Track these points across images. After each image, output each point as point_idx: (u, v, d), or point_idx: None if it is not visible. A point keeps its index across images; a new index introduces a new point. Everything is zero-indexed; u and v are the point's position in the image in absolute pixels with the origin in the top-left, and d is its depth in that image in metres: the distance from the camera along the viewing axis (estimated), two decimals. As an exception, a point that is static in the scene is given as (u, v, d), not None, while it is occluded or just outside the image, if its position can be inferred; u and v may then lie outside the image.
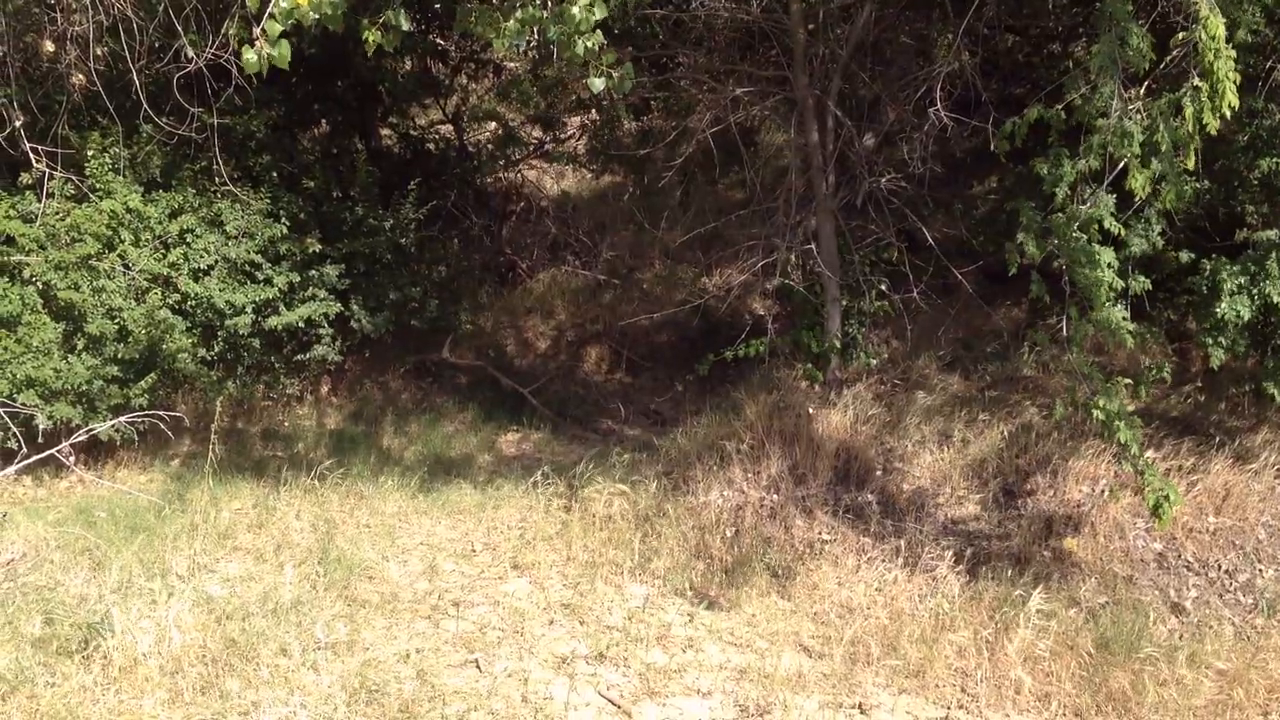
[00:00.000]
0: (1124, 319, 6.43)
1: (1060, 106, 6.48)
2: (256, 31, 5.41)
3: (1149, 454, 6.39)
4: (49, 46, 8.36)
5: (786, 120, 9.76)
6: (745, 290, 11.56)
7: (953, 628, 6.00)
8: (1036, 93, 7.65)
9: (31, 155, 8.42)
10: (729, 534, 7.34)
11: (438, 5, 11.30)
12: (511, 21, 5.84)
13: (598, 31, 5.83)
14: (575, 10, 5.70)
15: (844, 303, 9.54)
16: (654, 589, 6.70)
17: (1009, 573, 6.59)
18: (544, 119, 14.36)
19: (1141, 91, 6.25)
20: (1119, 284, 6.41)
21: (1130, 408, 6.25)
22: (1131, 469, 6.29)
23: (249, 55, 5.31)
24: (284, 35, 5.32)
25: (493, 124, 14.68)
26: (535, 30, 6.03)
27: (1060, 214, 6.42)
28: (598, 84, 6.07)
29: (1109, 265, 6.33)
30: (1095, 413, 6.22)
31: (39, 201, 8.76)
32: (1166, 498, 6.02)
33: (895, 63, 9.66)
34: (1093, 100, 6.09)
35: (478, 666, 5.71)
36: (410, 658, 5.73)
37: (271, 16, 5.26)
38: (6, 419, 7.28)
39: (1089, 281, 6.31)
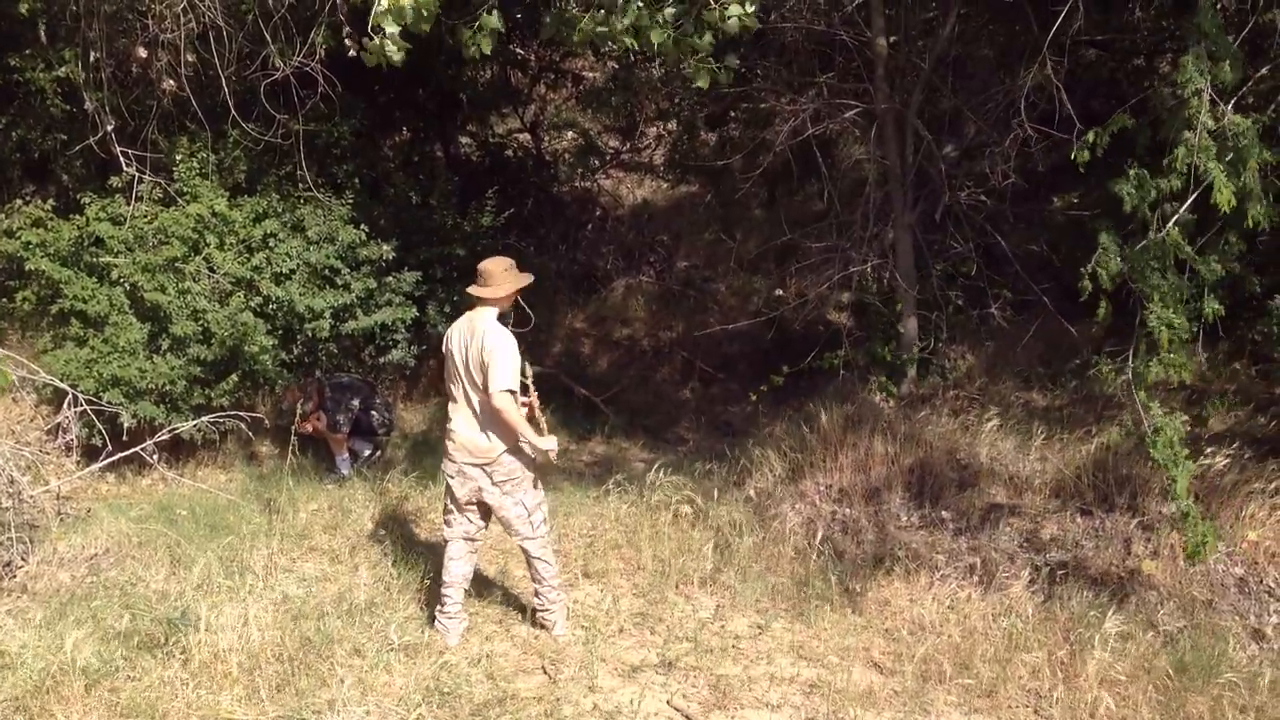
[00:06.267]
0: (1184, 361, 6.31)
1: (1146, 120, 6.39)
2: (346, 32, 5.52)
3: (1190, 498, 6.23)
4: (141, 52, 8.57)
5: (866, 133, 9.74)
6: (820, 302, 11.50)
7: (1027, 648, 5.92)
8: (1120, 108, 7.55)
9: (122, 159, 8.63)
10: (800, 547, 7.31)
11: (519, 15, 11.39)
12: (623, 26, 5.89)
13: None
14: (718, 15, 5.83)
15: (921, 316, 9.47)
16: (724, 600, 6.68)
17: (1085, 593, 6.49)
18: (622, 129, 14.42)
19: (1230, 107, 6.15)
20: (1188, 329, 6.28)
21: (1183, 451, 6.11)
22: (1175, 509, 6.15)
23: (373, 45, 5.44)
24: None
25: (570, 133, 14.77)
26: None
27: (1138, 239, 6.33)
28: (702, 80, 6.19)
29: (1183, 298, 6.22)
30: (1153, 454, 6.10)
31: (128, 204, 8.96)
32: (1205, 542, 5.91)
33: (977, 76, 9.58)
34: (1179, 113, 6.00)
35: (545, 672, 5.74)
36: (481, 662, 5.77)
37: (384, 12, 5.35)
38: (93, 416, 7.44)
39: (1160, 322, 6.19)
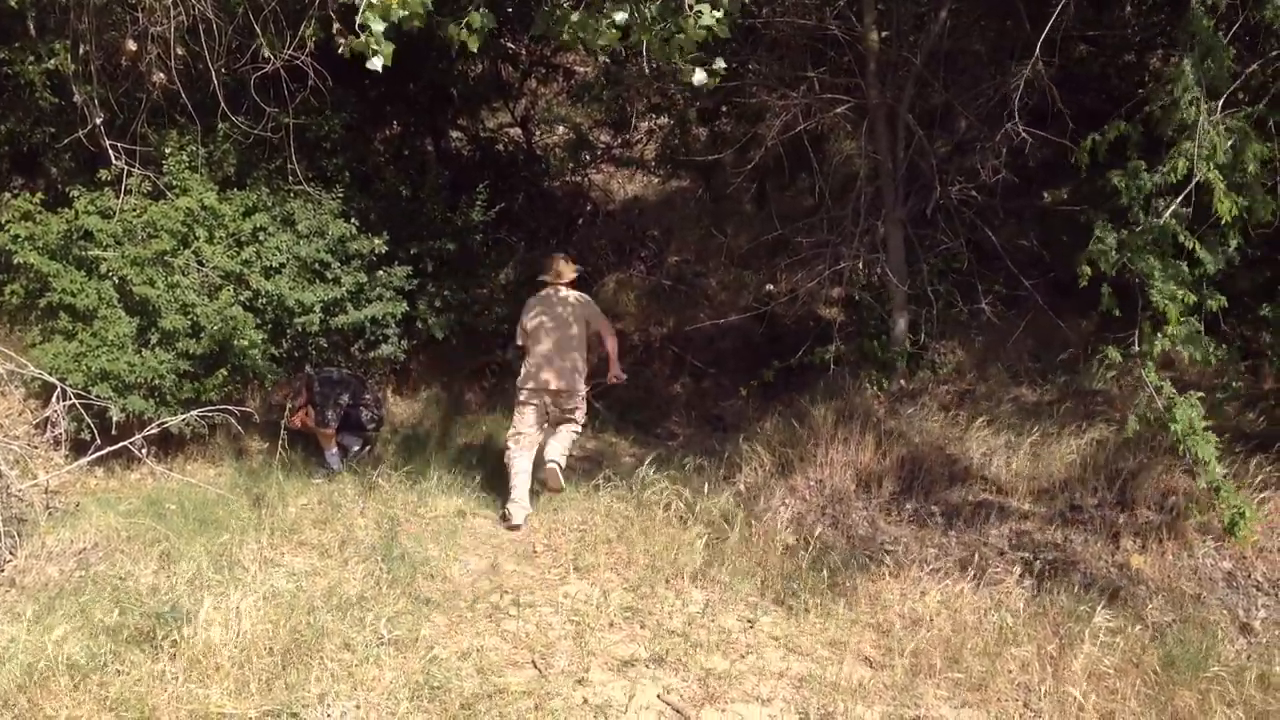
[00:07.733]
0: (1199, 333, 6.33)
1: (1139, 118, 6.40)
2: (336, 28, 5.47)
3: (1221, 470, 6.26)
4: (130, 45, 8.50)
5: (857, 128, 9.73)
6: (811, 298, 11.49)
7: (1016, 642, 5.93)
8: (1112, 104, 7.54)
9: (111, 152, 8.59)
10: (791, 541, 7.31)
11: (510, 9, 11.36)
12: (609, 30, 5.90)
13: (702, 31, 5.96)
14: (691, 23, 5.85)
15: (911, 311, 9.48)
16: (715, 594, 6.68)
17: (1074, 588, 6.51)
18: (613, 123, 14.39)
19: (1221, 104, 6.16)
20: (1192, 299, 6.30)
21: (1206, 423, 6.14)
22: (1206, 485, 6.15)
23: (356, 42, 5.40)
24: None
25: (561, 127, 14.74)
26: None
27: (1135, 226, 6.34)
28: (697, 78, 6.26)
29: (1184, 281, 6.23)
30: (1172, 427, 6.11)
31: (117, 198, 8.91)
32: (1241, 514, 5.89)
33: (968, 71, 9.58)
34: (1173, 114, 6.01)
35: (536, 666, 5.73)
36: (471, 656, 5.75)
37: (371, 6, 5.30)
38: (81, 410, 7.41)
39: (1164, 297, 6.21)
